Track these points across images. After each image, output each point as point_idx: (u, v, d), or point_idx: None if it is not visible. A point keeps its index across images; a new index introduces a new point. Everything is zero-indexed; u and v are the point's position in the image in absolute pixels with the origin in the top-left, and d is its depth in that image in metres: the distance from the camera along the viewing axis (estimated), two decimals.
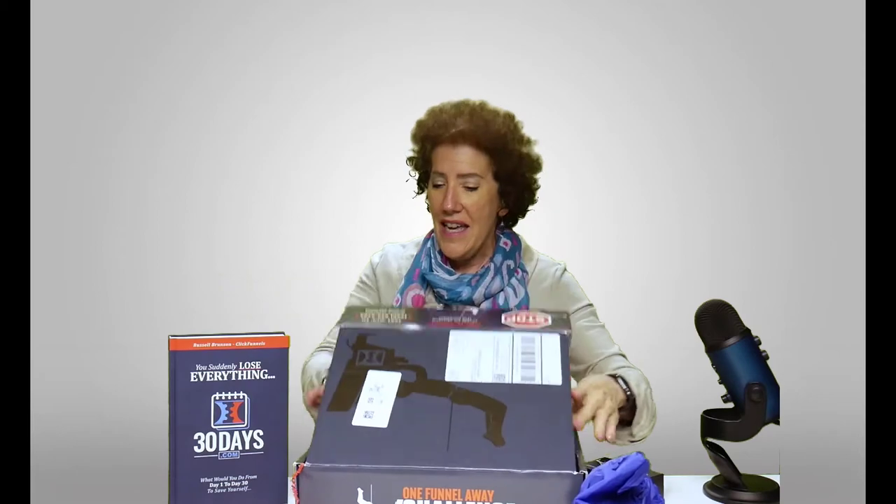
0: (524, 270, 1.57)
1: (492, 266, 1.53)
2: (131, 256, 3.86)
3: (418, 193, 1.64)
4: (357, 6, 3.82)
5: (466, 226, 1.50)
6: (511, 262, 1.55)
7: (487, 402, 1.01)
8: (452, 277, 1.52)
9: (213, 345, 1.07)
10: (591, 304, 1.61)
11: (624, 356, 1.55)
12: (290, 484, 0.93)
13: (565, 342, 1.10)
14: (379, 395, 1.02)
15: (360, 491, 0.91)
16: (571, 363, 1.55)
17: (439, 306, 1.54)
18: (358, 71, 3.78)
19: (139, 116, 3.87)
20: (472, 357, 1.08)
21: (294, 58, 3.86)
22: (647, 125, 3.91)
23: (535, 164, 1.58)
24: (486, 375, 1.05)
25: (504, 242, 1.57)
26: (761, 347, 1.26)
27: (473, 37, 3.78)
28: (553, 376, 1.05)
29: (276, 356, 1.09)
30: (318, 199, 3.87)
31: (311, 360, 1.54)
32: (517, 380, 1.04)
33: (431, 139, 1.52)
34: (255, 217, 3.92)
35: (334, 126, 3.77)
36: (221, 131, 3.90)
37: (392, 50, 3.76)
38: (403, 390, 1.03)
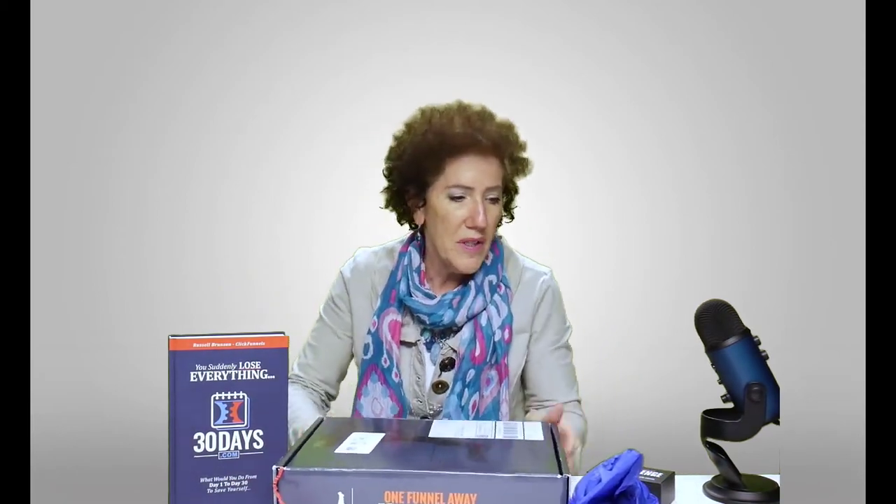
0: (507, 285, 1.47)
1: (472, 285, 1.44)
2: (131, 256, 3.86)
3: (402, 211, 1.50)
4: (357, 6, 3.82)
5: (482, 241, 1.41)
6: (493, 278, 1.45)
7: (471, 442, 1.07)
8: (433, 302, 1.43)
9: (213, 345, 1.07)
10: (569, 328, 1.53)
11: (579, 402, 1.51)
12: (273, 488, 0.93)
13: (546, 426, 1.15)
14: (362, 440, 1.06)
15: (341, 495, 0.91)
16: (525, 386, 1.52)
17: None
18: (358, 71, 3.78)
19: (139, 116, 3.87)
20: (455, 428, 1.14)
21: (294, 58, 3.86)
22: (647, 125, 3.92)
23: (528, 170, 1.50)
24: (469, 434, 1.11)
25: (485, 256, 1.47)
26: (761, 347, 1.25)
27: (474, 37, 3.78)
28: (535, 435, 1.09)
29: (275, 356, 1.09)
30: (318, 199, 3.87)
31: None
32: (500, 436, 1.09)
33: (452, 148, 1.38)
34: (255, 217, 3.92)
35: (334, 126, 3.78)
36: (221, 131, 3.90)
37: (392, 50, 3.76)
38: (387, 439, 1.08)
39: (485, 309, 1.43)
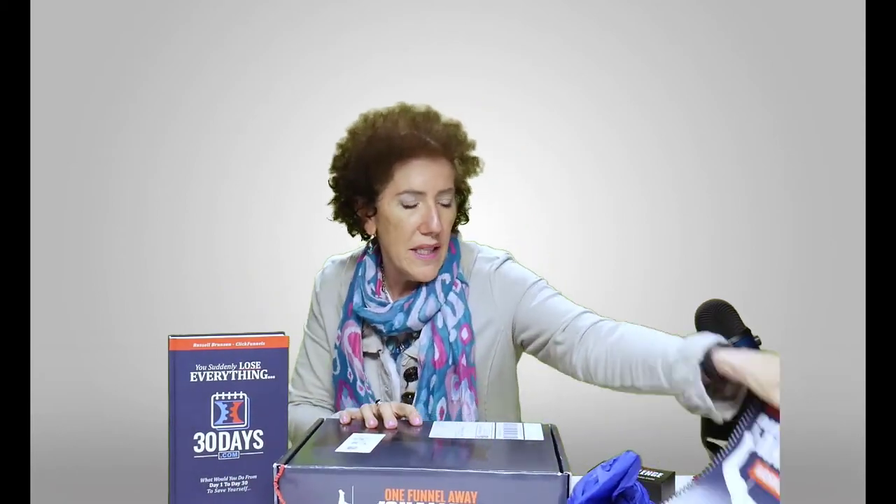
0: (464, 282, 1.39)
1: (423, 286, 1.36)
2: (131, 256, 3.86)
3: (351, 223, 1.44)
4: (357, 6, 3.82)
5: (438, 247, 1.35)
6: (447, 276, 1.37)
7: (471, 442, 1.07)
8: (385, 309, 1.37)
9: (213, 345, 1.07)
10: (540, 280, 1.40)
11: (593, 313, 1.35)
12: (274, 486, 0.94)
13: (547, 428, 1.14)
14: (363, 440, 1.07)
15: (342, 493, 0.91)
16: (537, 334, 1.37)
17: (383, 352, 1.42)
18: (358, 71, 3.79)
19: (139, 116, 3.87)
20: (455, 429, 1.15)
21: (294, 58, 3.86)
22: (647, 125, 3.92)
23: (479, 170, 1.43)
24: (469, 434, 1.11)
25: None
26: (761, 347, 1.25)
27: (474, 37, 3.79)
28: (535, 435, 1.09)
29: (275, 356, 1.09)
30: (317, 199, 3.86)
31: (298, 416, 1.41)
32: (500, 436, 1.09)
33: (400, 152, 1.32)
34: (255, 217, 3.92)
35: (334, 126, 3.77)
36: (221, 131, 3.90)
37: (392, 50, 3.76)
38: (388, 439, 1.08)
39: (439, 310, 1.36)
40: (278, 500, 0.92)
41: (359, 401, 1.37)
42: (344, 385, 1.41)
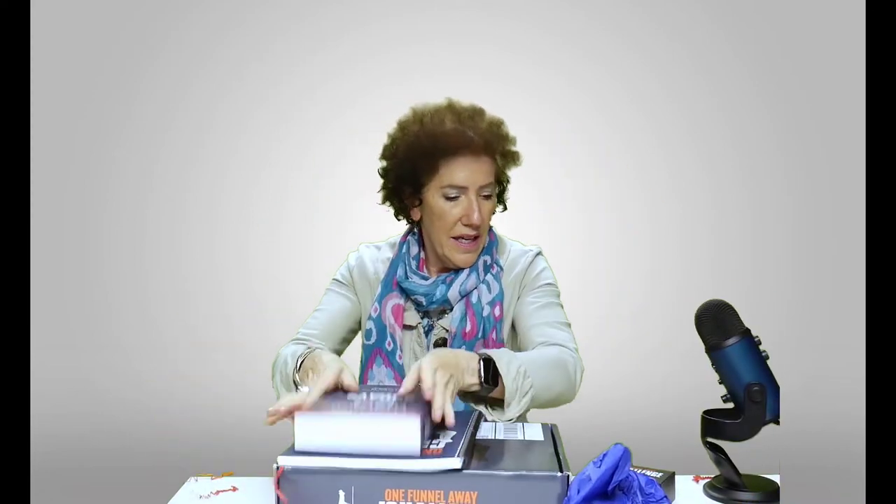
0: (500, 266, 1.51)
1: None
2: (132, 257, 3.86)
3: (398, 208, 1.51)
4: (357, 6, 3.83)
5: (478, 236, 1.45)
6: (487, 258, 1.49)
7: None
8: (428, 282, 1.47)
9: None
10: (551, 284, 1.51)
11: (564, 326, 1.43)
12: (273, 486, 0.93)
13: (547, 427, 1.14)
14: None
15: (342, 493, 0.92)
16: (515, 326, 1.48)
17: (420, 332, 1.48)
18: (358, 71, 3.79)
19: (139, 117, 3.87)
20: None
21: (295, 58, 3.86)
22: (647, 125, 3.92)
23: (518, 162, 1.52)
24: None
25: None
26: (761, 347, 1.25)
27: (473, 37, 3.79)
28: (535, 434, 1.09)
29: None
30: (318, 199, 3.87)
31: (283, 349, 1.49)
32: (500, 436, 1.09)
33: (445, 149, 1.39)
34: (256, 218, 3.92)
35: (334, 127, 3.78)
36: (222, 133, 3.90)
37: (392, 50, 3.76)
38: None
39: (476, 287, 1.47)
40: (279, 500, 0.92)
41: (395, 369, 1.46)
42: (379, 353, 1.48)
